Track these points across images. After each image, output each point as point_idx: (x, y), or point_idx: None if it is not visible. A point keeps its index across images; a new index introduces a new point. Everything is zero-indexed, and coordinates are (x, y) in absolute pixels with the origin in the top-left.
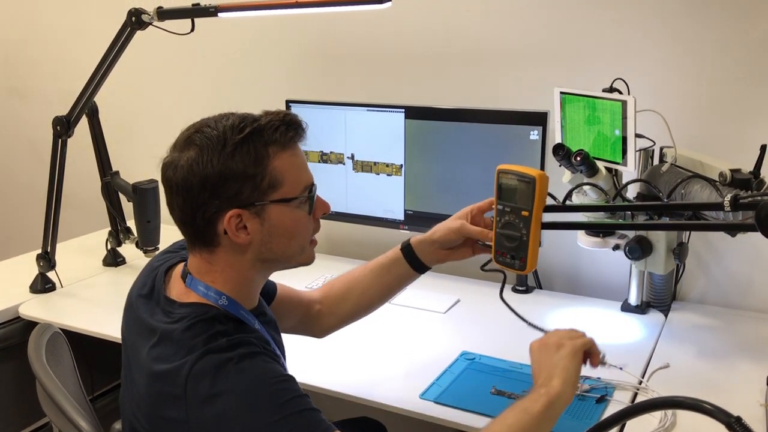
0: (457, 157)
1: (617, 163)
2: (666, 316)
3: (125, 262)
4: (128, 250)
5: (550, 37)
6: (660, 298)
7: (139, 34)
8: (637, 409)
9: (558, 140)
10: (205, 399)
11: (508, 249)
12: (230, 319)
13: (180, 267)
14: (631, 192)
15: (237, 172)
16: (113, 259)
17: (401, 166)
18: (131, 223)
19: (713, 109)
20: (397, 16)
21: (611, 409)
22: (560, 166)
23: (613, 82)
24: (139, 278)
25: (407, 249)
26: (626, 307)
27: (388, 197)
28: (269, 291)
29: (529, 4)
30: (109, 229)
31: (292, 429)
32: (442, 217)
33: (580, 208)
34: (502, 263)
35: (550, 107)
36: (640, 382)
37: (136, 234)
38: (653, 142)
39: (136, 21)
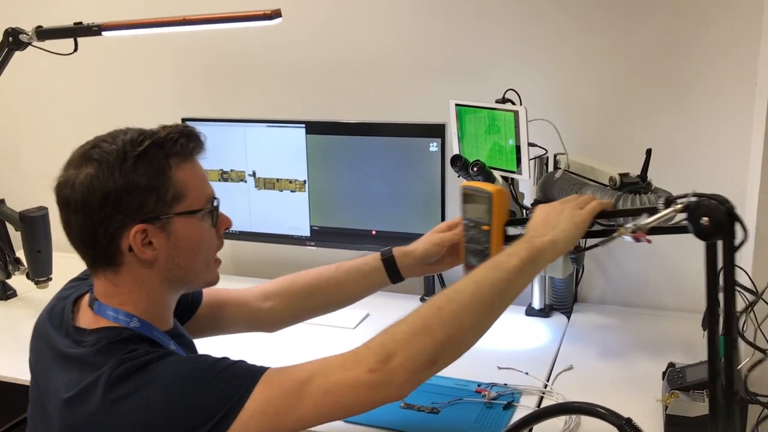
0: (359, 171)
1: (513, 172)
2: (569, 318)
3: (16, 295)
4: (19, 282)
5: (445, 49)
6: (562, 301)
7: (19, 54)
8: (535, 417)
9: (456, 151)
10: (124, 399)
11: (474, 263)
12: (144, 340)
13: (87, 297)
14: (528, 199)
15: (140, 184)
16: (3, 293)
17: (305, 181)
18: (20, 254)
19: (601, 116)
20: (293, 30)
21: (518, 415)
22: (459, 176)
23: (506, 92)
24: (46, 308)
25: (389, 260)
26: (530, 312)
27: (293, 214)
28: (192, 299)
29: (423, 18)
30: None
31: (225, 384)
32: (349, 232)
33: None
34: None
35: (447, 119)
36: (545, 386)
37: (26, 265)
38: (545, 150)
39: (13, 41)
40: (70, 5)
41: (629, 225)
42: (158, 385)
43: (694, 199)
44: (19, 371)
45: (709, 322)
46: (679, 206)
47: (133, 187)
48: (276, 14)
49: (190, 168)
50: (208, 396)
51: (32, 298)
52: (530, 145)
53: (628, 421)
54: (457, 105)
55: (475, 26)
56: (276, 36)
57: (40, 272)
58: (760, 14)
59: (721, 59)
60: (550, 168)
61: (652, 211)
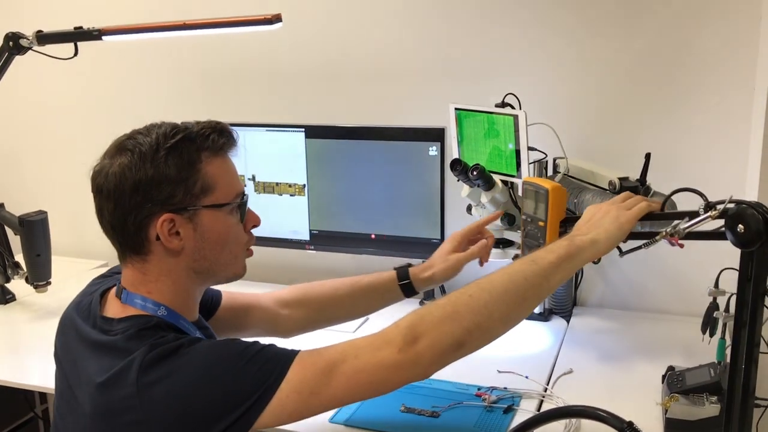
0: (359, 175)
1: (512, 176)
2: (568, 322)
3: (15, 299)
4: (18, 286)
5: (445, 53)
6: (561, 305)
7: (19, 58)
8: (536, 420)
9: (455, 155)
10: (158, 383)
11: None
12: (171, 328)
13: (114, 291)
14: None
15: (169, 176)
16: (2, 297)
17: (304, 185)
18: (20, 258)
19: (602, 119)
20: (293, 34)
21: (518, 419)
22: (458, 180)
23: (505, 97)
24: (73, 302)
25: (407, 286)
26: (530, 315)
27: (292, 218)
28: (212, 300)
29: (423, 22)
30: None
31: (261, 367)
32: (349, 236)
33: None
34: None
35: (447, 123)
36: (545, 389)
37: (25, 269)
38: (545, 154)
39: (14, 46)
40: (68, 10)
41: (668, 228)
42: (193, 369)
43: (731, 205)
44: (19, 375)
45: (735, 327)
46: (714, 212)
47: (163, 178)
48: (276, 19)
49: (221, 163)
50: (243, 379)
51: (31, 303)
52: (530, 149)
53: (630, 424)
54: (456, 109)
55: (475, 30)
56: (275, 40)
57: (39, 276)
58: (758, 19)
59: (720, 64)
60: (550, 172)
61: (693, 215)
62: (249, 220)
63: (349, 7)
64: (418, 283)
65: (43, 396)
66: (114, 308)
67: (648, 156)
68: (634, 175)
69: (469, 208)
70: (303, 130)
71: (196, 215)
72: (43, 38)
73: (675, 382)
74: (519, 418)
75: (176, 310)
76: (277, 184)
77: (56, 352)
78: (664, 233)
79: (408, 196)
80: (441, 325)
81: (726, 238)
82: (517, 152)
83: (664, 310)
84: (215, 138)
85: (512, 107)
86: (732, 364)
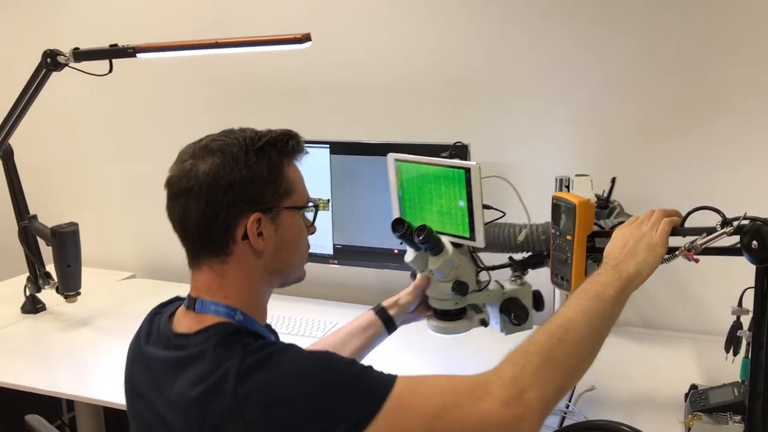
0: (382, 191)
1: (465, 238)
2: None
3: (45, 309)
4: (48, 295)
5: (469, 71)
6: None
7: (55, 74)
8: None
9: (396, 215)
10: (257, 393)
11: (558, 270)
12: (249, 334)
13: (182, 308)
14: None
15: (261, 175)
16: (32, 306)
17: (328, 200)
18: (50, 268)
19: (630, 137)
20: (319, 51)
21: None
22: (401, 243)
23: (454, 144)
24: (136, 337)
25: (382, 312)
26: None
27: (316, 232)
28: None
29: (448, 41)
30: (28, 274)
31: (363, 389)
32: (372, 250)
33: None
34: (555, 283)
35: (472, 140)
36: (567, 406)
37: (56, 279)
38: (503, 213)
39: (51, 62)
40: (99, 28)
41: (686, 244)
42: (293, 381)
43: (745, 222)
44: (48, 383)
45: (753, 345)
46: (729, 228)
47: (255, 177)
48: (306, 38)
49: (296, 168)
50: (342, 401)
51: (61, 312)
52: (485, 207)
53: None
54: (396, 160)
55: (500, 50)
56: (300, 57)
57: (69, 286)
58: None
59: (743, 83)
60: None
61: (710, 231)
62: (312, 225)
63: (376, 27)
64: (389, 306)
65: (70, 404)
66: (187, 322)
67: (614, 180)
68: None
69: (414, 275)
70: (328, 146)
71: (279, 216)
72: (79, 55)
73: (698, 400)
74: None
75: (251, 315)
76: None
77: (131, 384)
78: (682, 249)
79: None
80: (543, 373)
81: (741, 254)
82: (470, 211)
83: (685, 329)
84: (294, 144)
85: (462, 157)
86: (751, 386)
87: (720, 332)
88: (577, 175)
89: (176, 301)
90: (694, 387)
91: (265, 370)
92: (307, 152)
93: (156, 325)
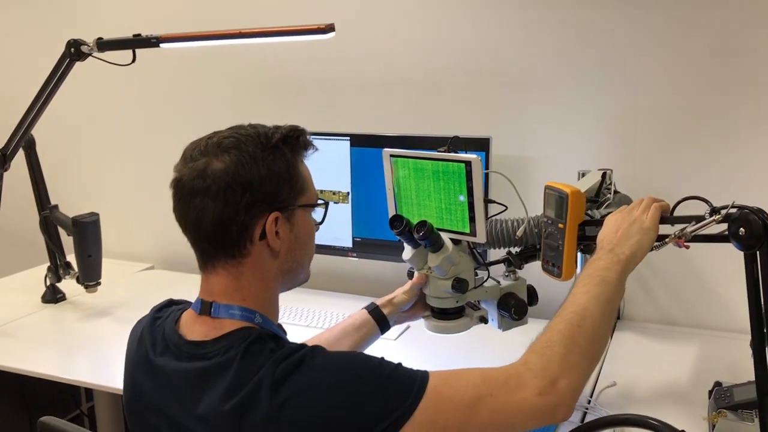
0: None
1: (465, 234)
2: (611, 335)
3: (65, 299)
4: (68, 285)
5: (491, 65)
6: None
7: (78, 64)
8: (586, 429)
9: (393, 211)
10: (292, 400)
11: (549, 258)
12: (272, 338)
13: (188, 313)
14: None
15: (279, 173)
16: (53, 296)
17: (348, 193)
18: (71, 258)
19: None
20: (341, 43)
21: (562, 430)
22: (399, 240)
23: (451, 139)
24: (141, 341)
25: (375, 311)
26: None
27: (335, 225)
28: None
29: (469, 34)
30: (48, 264)
31: (398, 387)
32: (391, 244)
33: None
34: (546, 270)
35: (493, 133)
36: (589, 402)
37: (76, 269)
38: (505, 207)
39: (75, 52)
40: (122, 18)
41: (676, 231)
42: (327, 385)
43: (733, 210)
44: (67, 372)
45: (753, 333)
46: (718, 216)
47: (273, 176)
48: (330, 28)
49: (305, 165)
50: (379, 400)
51: (81, 302)
52: (488, 201)
53: None
54: (392, 156)
55: (524, 40)
56: (322, 49)
57: (90, 276)
58: None
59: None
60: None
61: (699, 219)
62: (320, 224)
63: (397, 19)
64: (382, 304)
65: (89, 394)
66: (202, 329)
67: (604, 175)
68: None
69: (410, 274)
70: (348, 138)
71: (294, 214)
72: (103, 45)
73: (722, 397)
74: (562, 429)
75: (267, 316)
76: (321, 191)
77: (142, 399)
78: (672, 236)
79: None
80: (570, 360)
81: (729, 241)
82: (471, 205)
83: (708, 326)
84: (303, 140)
85: (459, 151)
86: (760, 389)
87: (742, 329)
88: (599, 170)
89: (172, 305)
90: (718, 384)
91: (298, 376)
92: (316, 149)
93: (159, 332)
